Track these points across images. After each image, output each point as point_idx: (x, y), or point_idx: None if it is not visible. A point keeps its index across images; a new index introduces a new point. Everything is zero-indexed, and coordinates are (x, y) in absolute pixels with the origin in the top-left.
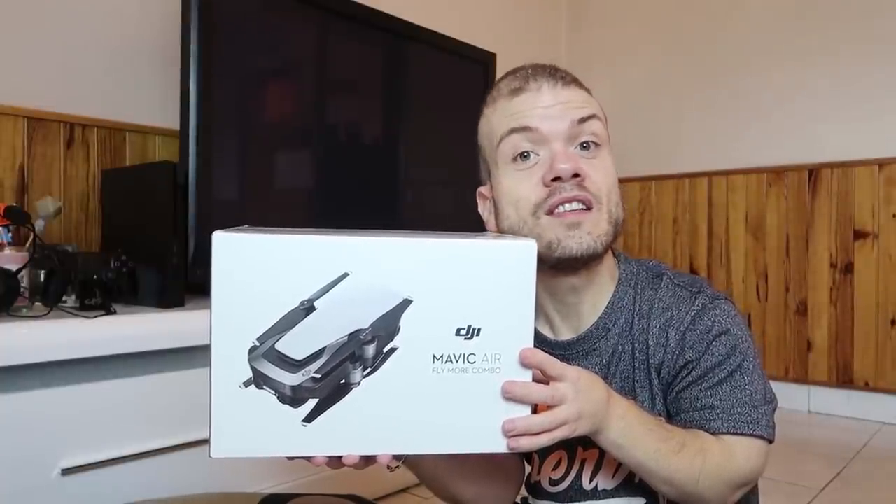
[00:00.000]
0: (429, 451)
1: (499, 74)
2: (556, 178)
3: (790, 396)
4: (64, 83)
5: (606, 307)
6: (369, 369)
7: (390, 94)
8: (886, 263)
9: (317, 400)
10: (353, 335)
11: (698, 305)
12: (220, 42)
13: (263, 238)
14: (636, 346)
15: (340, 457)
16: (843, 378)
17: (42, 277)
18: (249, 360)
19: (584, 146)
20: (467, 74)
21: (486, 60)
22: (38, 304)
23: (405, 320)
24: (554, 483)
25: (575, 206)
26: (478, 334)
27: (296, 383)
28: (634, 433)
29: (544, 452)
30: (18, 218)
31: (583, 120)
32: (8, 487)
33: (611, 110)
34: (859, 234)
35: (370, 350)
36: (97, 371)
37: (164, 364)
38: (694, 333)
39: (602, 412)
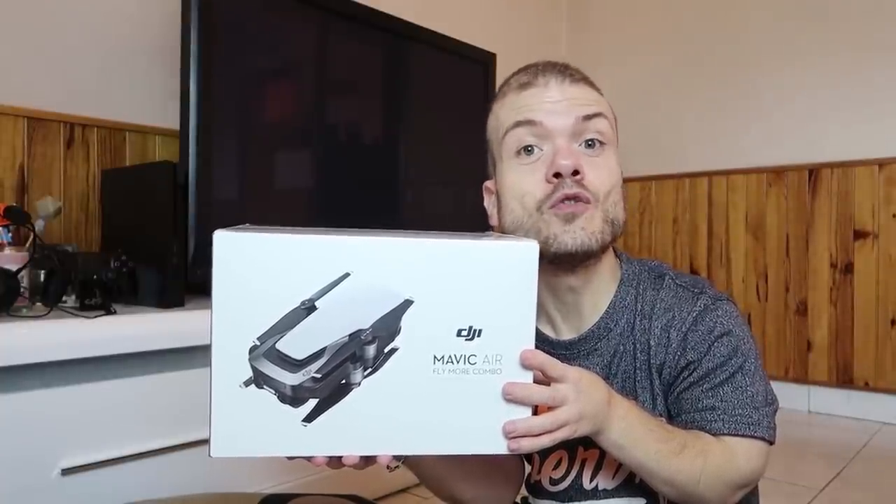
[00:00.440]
0: (429, 452)
1: (499, 74)
2: (556, 175)
3: (790, 396)
4: (64, 83)
5: (608, 307)
6: (370, 370)
7: (390, 94)
8: (886, 263)
9: (317, 400)
10: (354, 335)
11: (700, 306)
12: (220, 42)
13: (264, 237)
14: (638, 346)
15: (340, 457)
16: (843, 378)
17: (42, 277)
18: (250, 359)
19: (589, 144)
20: (467, 74)
21: (486, 60)
22: (38, 304)
23: (406, 321)
24: (554, 483)
25: (573, 201)
26: (479, 335)
27: (296, 383)
28: (635, 434)
29: (545, 452)
30: (18, 218)
31: (588, 117)
32: (8, 487)
33: None
34: (859, 234)
35: (371, 350)
36: (97, 371)
37: (164, 364)
38: (696, 334)
39: (603, 413)
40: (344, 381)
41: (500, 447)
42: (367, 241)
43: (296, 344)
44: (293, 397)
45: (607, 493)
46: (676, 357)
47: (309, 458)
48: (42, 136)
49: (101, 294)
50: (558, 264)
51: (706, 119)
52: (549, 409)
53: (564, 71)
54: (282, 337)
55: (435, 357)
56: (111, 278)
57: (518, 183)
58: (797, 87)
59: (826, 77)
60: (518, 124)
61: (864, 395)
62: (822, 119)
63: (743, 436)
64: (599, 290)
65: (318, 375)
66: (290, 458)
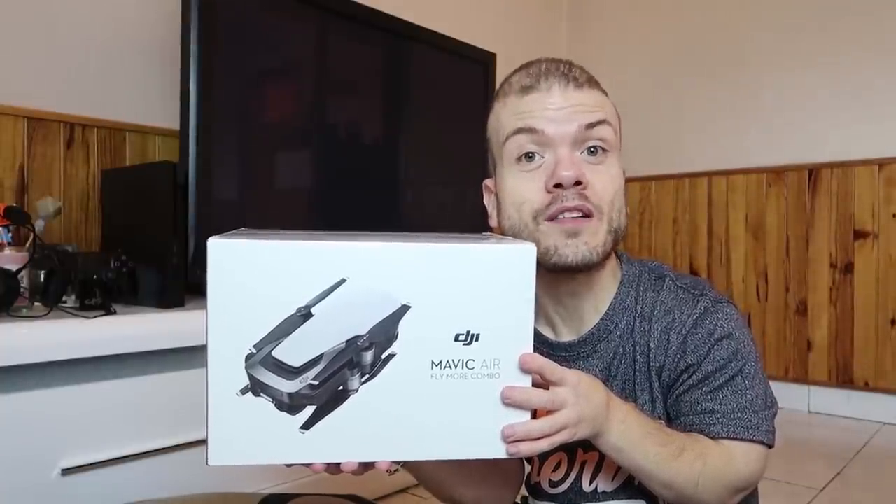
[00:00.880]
0: (428, 458)
1: (499, 74)
2: (558, 185)
3: (790, 396)
4: (64, 83)
5: (608, 309)
6: (367, 376)
7: (390, 94)
8: (886, 263)
9: (315, 407)
10: (351, 341)
11: (700, 309)
12: (220, 42)
13: (259, 244)
14: (637, 348)
15: (339, 463)
16: (843, 378)
17: (42, 277)
18: (246, 367)
19: (592, 151)
20: (467, 74)
21: (486, 60)
22: (38, 304)
23: (403, 326)
24: (554, 485)
25: (575, 214)
26: (477, 340)
27: (293, 390)
28: (634, 437)
29: (544, 454)
30: (18, 218)
31: (591, 125)
32: (8, 487)
33: None
34: (859, 234)
35: (368, 356)
36: (97, 371)
37: (164, 364)
38: (695, 337)
39: (602, 416)
40: (341, 388)
41: (498, 451)
42: (363, 246)
43: (292, 351)
44: (290, 405)
45: (607, 496)
46: (676, 360)
47: (307, 465)
48: (42, 136)
49: (101, 294)
50: (557, 273)
51: (706, 119)
52: (548, 412)
53: (568, 74)
54: (278, 344)
55: (433, 362)
56: (111, 278)
57: (517, 190)
58: (797, 87)
59: (826, 77)
60: (519, 131)
61: (864, 395)
62: (822, 119)
63: (742, 439)
64: (600, 293)
65: (316, 382)
66: (288, 466)
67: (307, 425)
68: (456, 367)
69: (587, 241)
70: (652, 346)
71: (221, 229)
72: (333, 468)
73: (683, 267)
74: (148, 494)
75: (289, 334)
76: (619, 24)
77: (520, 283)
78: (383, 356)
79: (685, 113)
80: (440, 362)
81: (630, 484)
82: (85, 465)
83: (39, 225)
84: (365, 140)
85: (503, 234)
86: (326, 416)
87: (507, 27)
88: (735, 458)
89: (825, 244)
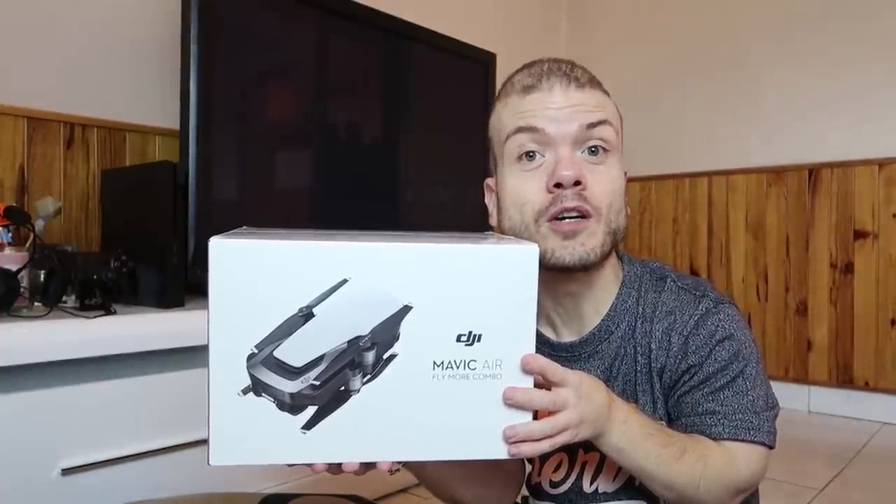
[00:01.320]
0: (429, 458)
1: (499, 74)
2: (558, 185)
3: (790, 396)
4: (64, 83)
5: (609, 309)
6: (369, 376)
7: (390, 94)
8: (886, 263)
9: (316, 407)
10: (353, 342)
11: (702, 309)
12: (220, 42)
13: (261, 244)
14: (639, 349)
15: (340, 463)
16: (843, 378)
17: (42, 277)
18: (248, 367)
19: (592, 151)
20: (467, 74)
21: (486, 60)
22: (38, 304)
23: (405, 326)
24: (554, 485)
25: (573, 214)
26: (478, 340)
27: (295, 390)
28: (636, 438)
29: (545, 455)
30: (18, 218)
31: (592, 125)
32: (8, 487)
33: None
34: (859, 234)
35: (370, 357)
36: (97, 371)
37: (164, 364)
38: (697, 338)
39: (604, 417)
40: (343, 388)
41: (500, 452)
42: (365, 246)
43: (294, 351)
44: (292, 405)
45: (607, 497)
46: (677, 360)
47: (309, 465)
48: (42, 136)
49: (101, 294)
50: (556, 273)
51: (706, 119)
52: (550, 413)
53: (570, 74)
54: (280, 344)
55: (434, 362)
56: (111, 278)
57: (518, 189)
58: (797, 87)
59: (826, 77)
60: (520, 130)
61: (864, 395)
62: (822, 119)
63: (743, 440)
64: (600, 293)
65: (317, 383)
66: (290, 466)
67: (309, 425)
68: (458, 367)
69: (584, 242)
70: (653, 346)
71: (221, 229)
72: (335, 468)
73: (683, 267)
74: (148, 494)
75: (290, 334)
76: (619, 24)
77: (522, 283)
78: (385, 356)
79: (685, 113)
80: (442, 363)
81: (631, 485)
82: (85, 465)
83: (39, 225)
84: (365, 140)
85: (503, 233)
86: (328, 417)
87: (507, 27)
88: (736, 459)
89: (825, 244)
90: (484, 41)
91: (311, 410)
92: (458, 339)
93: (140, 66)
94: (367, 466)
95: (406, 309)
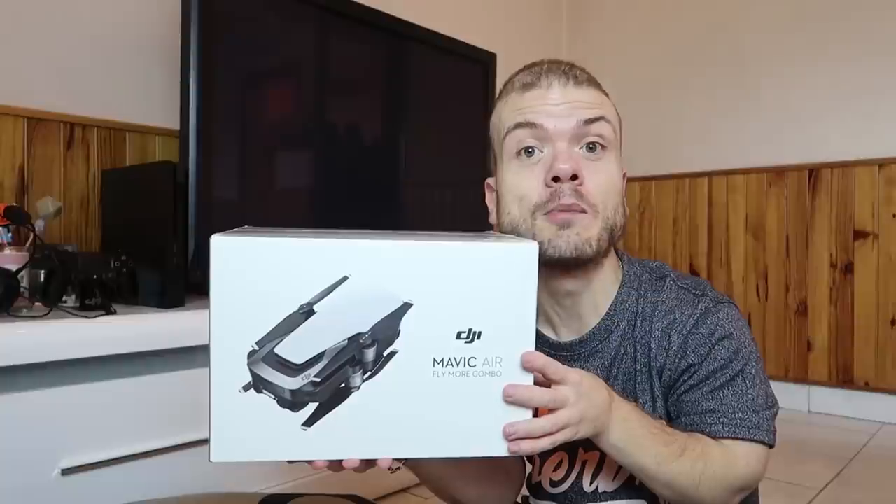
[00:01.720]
0: (429, 456)
1: (499, 74)
2: (555, 179)
3: (790, 396)
4: (64, 83)
5: (609, 309)
6: (369, 373)
7: (390, 94)
8: (886, 263)
9: (317, 404)
10: (353, 339)
11: (701, 309)
12: (220, 42)
13: (262, 241)
14: (638, 348)
15: (341, 460)
16: (843, 378)
17: (42, 277)
18: (249, 364)
19: (590, 147)
20: (467, 74)
21: (486, 60)
22: (38, 304)
23: (405, 324)
24: (555, 484)
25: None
26: (478, 338)
27: (295, 387)
28: (636, 437)
29: (545, 454)
30: (18, 218)
31: (590, 121)
32: (8, 487)
33: None
34: (859, 234)
35: (370, 354)
36: (97, 371)
37: (164, 364)
38: (696, 337)
39: (604, 415)
40: (343, 385)
41: (500, 449)
42: (365, 244)
43: (294, 348)
44: (292, 402)
45: (608, 496)
46: (677, 360)
47: (309, 462)
48: (42, 136)
49: (101, 294)
50: (553, 267)
51: (706, 119)
52: (550, 411)
53: (569, 72)
54: (280, 341)
55: (434, 360)
56: (111, 278)
57: (516, 184)
58: (797, 87)
59: (826, 77)
60: (519, 125)
61: (864, 395)
62: (822, 119)
63: (743, 439)
64: (599, 292)
65: (318, 379)
66: (290, 462)
67: (309, 422)
68: (458, 364)
69: (579, 232)
70: (653, 346)
71: (221, 229)
72: (335, 465)
73: (683, 267)
74: (148, 494)
75: (291, 331)
76: (619, 24)
77: (522, 281)
78: (385, 354)
79: (685, 113)
80: (442, 360)
81: (631, 484)
82: (85, 465)
83: (39, 225)
84: (365, 140)
85: (503, 229)
86: (328, 414)
87: (507, 27)
88: (736, 457)
89: (825, 244)
90: (484, 41)
91: (311, 407)
92: (458, 337)
93: (140, 66)
94: (368, 463)
95: (406, 306)
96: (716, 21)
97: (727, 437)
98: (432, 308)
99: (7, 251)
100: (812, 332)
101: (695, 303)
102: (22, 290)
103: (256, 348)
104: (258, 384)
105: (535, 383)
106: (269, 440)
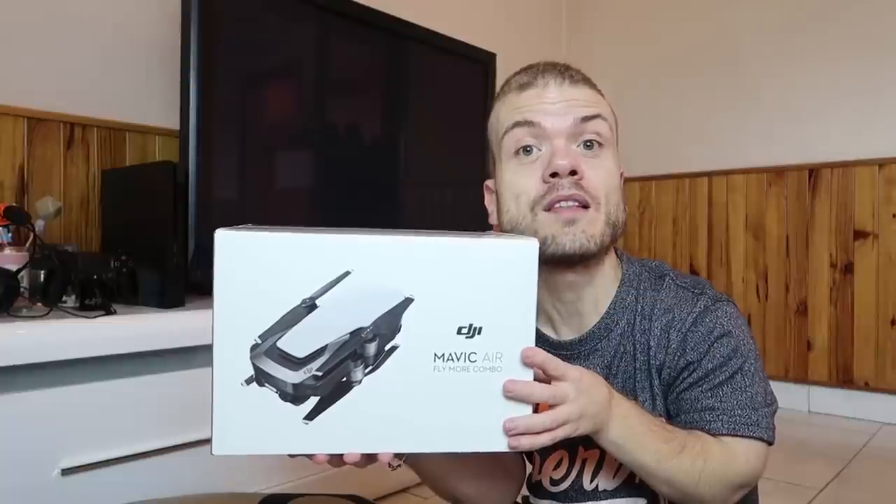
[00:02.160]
0: (429, 450)
1: (499, 74)
2: (553, 175)
3: (790, 396)
4: (64, 83)
5: (609, 307)
6: (371, 367)
7: (390, 94)
8: (886, 263)
9: (318, 398)
10: (355, 333)
11: (700, 307)
12: (220, 42)
13: (265, 236)
14: (638, 346)
15: (342, 455)
16: (843, 378)
17: (42, 277)
18: (251, 357)
19: (587, 145)
20: (467, 74)
21: (486, 60)
22: (38, 304)
23: (407, 319)
24: (555, 483)
25: (571, 203)
26: (479, 333)
27: (297, 381)
28: (636, 434)
29: (545, 452)
30: (18, 218)
31: (586, 119)
32: (8, 487)
33: None
34: (859, 234)
35: (371, 348)
36: (97, 371)
37: (164, 364)
38: (695, 335)
39: (604, 412)
40: (345, 379)
41: (500, 445)
42: (368, 239)
43: (297, 342)
44: (294, 395)
45: (608, 494)
46: (676, 358)
47: (310, 457)
48: (42, 136)
49: (101, 294)
50: (555, 263)
51: (706, 119)
52: (550, 407)
53: (564, 72)
54: (283, 335)
55: (435, 355)
56: (111, 278)
57: (515, 182)
58: (797, 87)
59: (826, 77)
60: (516, 125)
61: (864, 395)
62: (822, 119)
63: (742, 436)
64: (600, 291)
65: (319, 373)
66: (291, 456)
67: (310, 416)
68: (458, 359)
69: (584, 230)
70: (652, 344)
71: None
72: (336, 460)
73: (683, 267)
74: (148, 494)
75: (293, 325)
76: (619, 25)
77: (522, 277)
78: (386, 348)
79: (685, 113)
80: (443, 355)
81: (631, 482)
82: (85, 465)
83: (39, 225)
84: (365, 140)
85: (503, 230)
86: (329, 408)
87: (507, 27)
88: (736, 455)
89: (825, 244)
90: (484, 41)
91: (312, 401)
92: (459, 332)
93: (140, 66)
94: (369, 458)
95: (408, 301)
96: (715, 21)
97: (726, 435)
98: (433, 303)
99: (7, 251)
100: (812, 332)
101: (694, 301)
102: (22, 290)
103: (259, 342)
104: (260, 378)
105: (536, 380)
106: (270, 434)
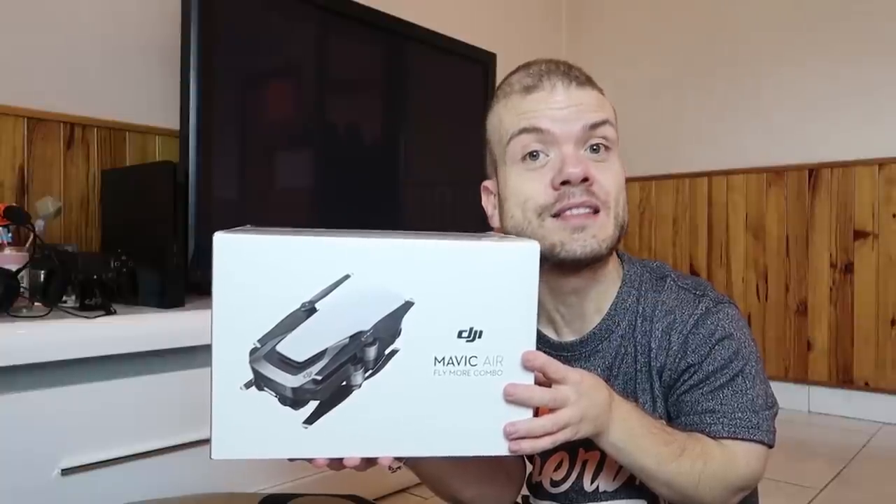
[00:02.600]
0: (430, 454)
1: (499, 74)
2: (565, 182)
3: (790, 396)
4: (64, 83)
5: (610, 309)
6: (370, 371)
7: (390, 94)
8: (886, 263)
9: (318, 402)
10: (355, 337)
11: (701, 309)
12: (220, 42)
13: (265, 239)
14: (638, 348)
15: (341, 459)
16: (843, 378)
17: (42, 277)
18: (250, 361)
19: (595, 149)
20: (467, 74)
21: (486, 60)
22: (38, 304)
23: (407, 322)
24: (555, 484)
25: (582, 210)
26: (479, 336)
27: (297, 385)
28: (636, 436)
29: (546, 453)
30: (18, 218)
31: (595, 125)
32: (8, 487)
33: None
34: (859, 234)
35: (371, 352)
36: (97, 371)
37: (164, 364)
38: (696, 337)
39: (605, 414)
40: (345, 383)
41: (500, 448)
42: (368, 242)
43: (296, 346)
44: (294, 399)
45: (608, 496)
46: (677, 360)
47: (310, 461)
48: (42, 136)
49: (101, 294)
50: (560, 267)
51: (706, 119)
52: (550, 411)
53: (569, 73)
54: (282, 339)
55: (436, 358)
56: (111, 278)
57: (521, 188)
58: (797, 87)
59: (826, 77)
60: (524, 131)
61: (864, 395)
62: (822, 119)
63: (742, 439)
64: (602, 292)
65: (319, 377)
66: (291, 461)
67: (310, 420)
68: (459, 363)
69: (595, 235)
70: (653, 346)
71: (221, 229)
72: (336, 464)
73: (683, 267)
74: (148, 494)
75: (293, 329)
76: (619, 25)
77: (523, 280)
78: (386, 352)
79: (685, 113)
80: (443, 359)
81: (631, 484)
82: (85, 465)
83: (39, 225)
84: (365, 140)
85: (506, 233)
86: (329, 412)
87: (507, 27)
88: (736, 457)
89: (825, 244)
90: (484, 41)
91: (312, 405)
92: (460, 336)
93: (140, 66)
94: (369, 462)
95: (408, 305)
96: (715, 21)
97: (727, 437)
98: (434, 307)
99: (7, 251)
100: (812, 332)
101: (695, 303)
102: (22, 290)
103: (258, 346)
104: (260, 382)
105: (536, 383)
106: (270, 438)
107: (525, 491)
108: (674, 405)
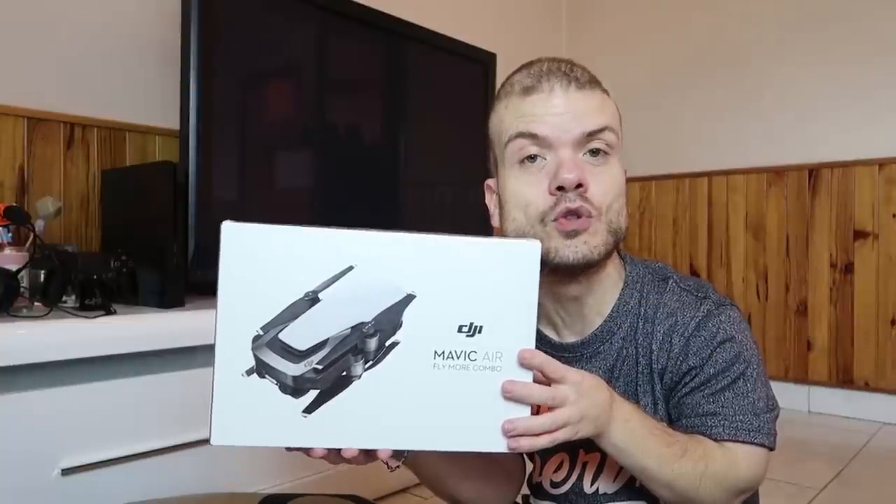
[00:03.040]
0: (428, 448)
1: (499, 74)
2: (560, 188)
3: (790, 396)
4: (64, 83)
5: (612, 310)
6: (371, 362)
7: (390, 94)
8: (886, 263)
9: (318, 391)
10: (356, 328)
11: (703, 311)
12: (220, 42)
13: (272, 228)
14: (640, 350)
15: (339, 450)
16: (843, 378)
17: (42, 277)
18: (253, 348)
19: (593, 153)
20: (467, 74)
21: (486, 60)
22: (38, 304)
23: (408, 315)
24: (555, 485)
25: (575, 216)
26: (479, 332)
27: (297, 373)
28: (637, 437)
29: (546, 454)
30: (18, 218)
31: (593, 133)
32: (8, 487)
33: None
34: (859, 234)
35: (372, 343)
36: (97, 371)
37: (164, 364)
38: (698, 340)
39: (605, 415)
40: (345, 374)
41: (498, 445)
42: (372, 235)
43: (298, 335)
44: (294, 388)
45: (608, 497)
46: (678, 362)
47: (308, 451)
48: (42, 136)
49: (101, 294)
50: (558, 273)
51: (706, 119)
52: (550, 409)
53: (570, 74)
54: (285, 327)
55: (435, 352)
56: (111, 278)
57: (520, 192)
58: (797, 87)
59: (826, 77)
60: (521, 135)
61: (864, 395)
62: (822, 119)
63: (744, 442)
64: (603, 294)
65: (320, 367)
66: (289, 450)
67: (310, 409)
68: (458, 357)
69: (587, 241)
70: (654, 348)
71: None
72: (334, 455)
73: (683, 267)
74: (148, 494)
75: (296, 318)
76: (619, 24)
77: (524, 277)
78: (387, 344)
79: (685, 113)
80: (443, 352)
81: (631, 485)
82: (85, 465)
83: (39, 225)
84: (365, 140)
85: (506, 235)
86: (329, 402)
87: (507, 27)
88: (737, 460)
89: (825, 244)
90: (484, 41)
91: (312, 394)
92: (460, 330)
93: (140, 66)
94: (367, 455)
95: (409, 298)
96: (716, 21)
97: (728, 440)
98: (435, 301)
99: (7, 251)
100: (812, 332)
101: (697, 305)
102: (22, 290)
103: (261, 333)
104: (261, 369)
105: (536, 381)
106: (269, 425)
107: (526, 490)
108: (675, 407)
